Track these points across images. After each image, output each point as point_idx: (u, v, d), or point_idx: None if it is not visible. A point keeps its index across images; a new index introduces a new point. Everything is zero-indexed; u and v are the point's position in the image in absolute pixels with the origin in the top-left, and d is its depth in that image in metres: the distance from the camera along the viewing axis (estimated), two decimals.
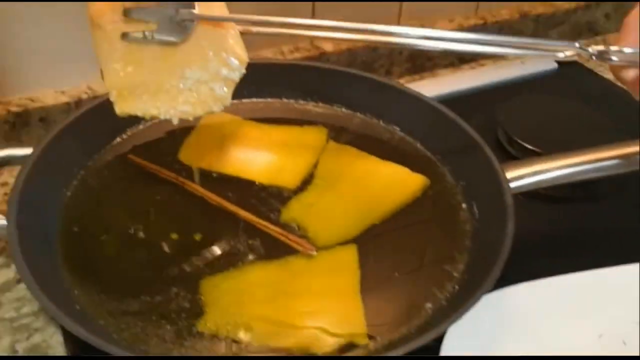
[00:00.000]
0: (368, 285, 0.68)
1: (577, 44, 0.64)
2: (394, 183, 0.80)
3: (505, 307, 0.65)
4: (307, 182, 0.80)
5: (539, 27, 1.22)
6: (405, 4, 1.09)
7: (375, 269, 0.70)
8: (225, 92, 0.63)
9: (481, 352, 0.61)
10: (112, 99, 0.62)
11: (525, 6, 1.22)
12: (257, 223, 0.73)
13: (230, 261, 0.67)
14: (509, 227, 0.68)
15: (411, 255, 0.72)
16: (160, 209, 0.71)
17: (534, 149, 0.87)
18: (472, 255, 0.70)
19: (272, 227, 0.73)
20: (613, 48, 0.63)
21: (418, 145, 0.83)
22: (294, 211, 0.75)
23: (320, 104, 0.87)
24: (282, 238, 0.72)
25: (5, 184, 0.84)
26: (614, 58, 0.63)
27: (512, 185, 0.73)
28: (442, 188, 0.80)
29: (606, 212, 0.83)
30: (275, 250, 0.71)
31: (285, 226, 0.74)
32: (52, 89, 0.88)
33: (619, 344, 0.67)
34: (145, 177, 0.75)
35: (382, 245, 0.73)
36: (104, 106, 0.65)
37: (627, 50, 0.62)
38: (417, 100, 0.81)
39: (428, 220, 0.76)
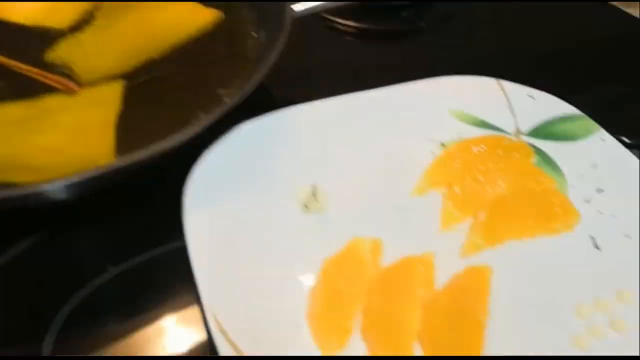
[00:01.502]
0: (129, 120, 0.62)
1: None
2: (181, 18, 0.72)
3: (282, 129, 0.61)
4: (86, 23, 0.70)
5: None
6: None
7: (141, 104, 0.64)
8: None
9: (242, 173, 0.57)
10: None
11: None
12: (10, 64, 0.64)
13: None
14: (279, 42, 0.60)
15: (187, 88, 0.67)
16: None
17: None
18: (246, 78, 0.63)
19: (26, 67, 0.64)
20: None
21: None
22: (61, 50, 0.67)
23: None
24: (40, 77, 0.63)
25: None
26: None
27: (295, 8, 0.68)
28: (235, 20, 0.72)
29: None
30: (31, 91, 0.62)
31: (49, 66, 0.65)
32: None
33: (407, 159, 0.61)
34: None
35: (157, 80, 0.64)
36: None
37: None
38: None
39: (215, 52, 0.69)
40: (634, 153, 0.60)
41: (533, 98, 0.65)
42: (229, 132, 0.58)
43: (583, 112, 0.63)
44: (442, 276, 0.53)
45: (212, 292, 0.48)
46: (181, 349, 0.50)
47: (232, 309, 0.47)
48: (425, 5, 0.90)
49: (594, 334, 0.50)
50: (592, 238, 0.56)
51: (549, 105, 0.64)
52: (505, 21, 0.89)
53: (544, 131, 0.64)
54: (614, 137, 0.61)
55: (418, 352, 0.49)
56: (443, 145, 0.63)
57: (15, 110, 0.62)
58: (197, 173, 0.55)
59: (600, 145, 0.61)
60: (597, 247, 0.56)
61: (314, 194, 0.57)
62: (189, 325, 0.52)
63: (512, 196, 0.57)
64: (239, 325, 0.46)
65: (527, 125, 0.64)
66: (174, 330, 0.52)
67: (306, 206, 0.57)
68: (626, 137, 0.62)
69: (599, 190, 0.59)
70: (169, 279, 0.55)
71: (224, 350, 0.44)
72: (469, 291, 0.50)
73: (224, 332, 0.45)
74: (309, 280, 0.52)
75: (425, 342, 0.48)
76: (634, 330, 0.50)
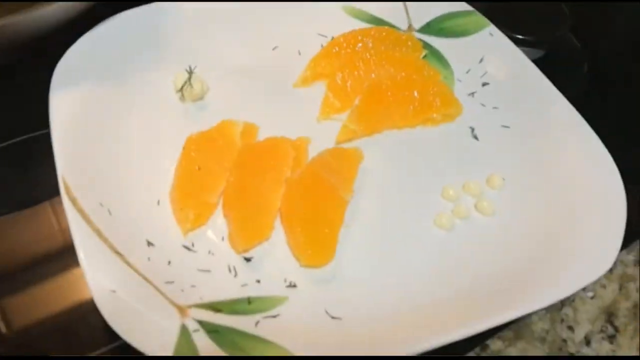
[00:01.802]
0: None
1: None
2: None
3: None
4: None
5: None
6: None
7: None
8: None
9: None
10: None
11: None
12: None
13: None
14: None
15: None
16: None
17: None
18: None
19: None
20: None
21: None
22: None
23: None
24: None
25: None
26: None
27: None
28: None
29: None
30: None
31: None
32: None
33: (295, 53, 0.60)
34: None
35: None
36: None
37: None
38: None
39: None
40: (522, 49, 0.60)
41: None
42: (103, 20, 0.57)
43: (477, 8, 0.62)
44: None
45: (66, 161, 0.47)
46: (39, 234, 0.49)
47: (84, 178, 0.46)
48: None
49: (458, 214, 0.50)
50: (472, 129, 0.56)
51: (441, 3, 0.63)
52: None
53: (435, 27, 0.63)
54: (504, 33, 0.60)
55: (279, 227, 0.48)
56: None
57: None
58: (66, 58, 0.54)
59: (489, 40, 0.60)
60: (475, 137, 0.55)
61: (189, 80, 0.55)
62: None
63: (391, 85, 0.56)
64: (89, 194, 0.45)
65: (419, 22, 0.63)
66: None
67: (182, 93, 0.55)
68: (516, 33, 0.61)
69: (485, 84, 0.59)
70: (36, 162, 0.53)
71: (70, 215, 0.43)
72: (335, 170, 0.49)
73: (73, 200, 0.44)
74: (172, 159, 0.50)
75: (285, 217, 0.48)
76: (498, 213, 0.50)
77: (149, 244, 0.46)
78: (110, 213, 0.46)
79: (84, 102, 0.52)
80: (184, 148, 0.50)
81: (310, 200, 0.47)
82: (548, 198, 0.50)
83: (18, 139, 0.55)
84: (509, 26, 0.62)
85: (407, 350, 0.39)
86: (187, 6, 0.60)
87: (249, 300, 0.44)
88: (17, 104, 0.57)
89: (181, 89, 0.55)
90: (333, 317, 0.43)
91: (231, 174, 0.49)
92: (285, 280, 0.45)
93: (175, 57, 0.58)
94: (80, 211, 0.45)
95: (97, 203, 0.46)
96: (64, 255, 0.48)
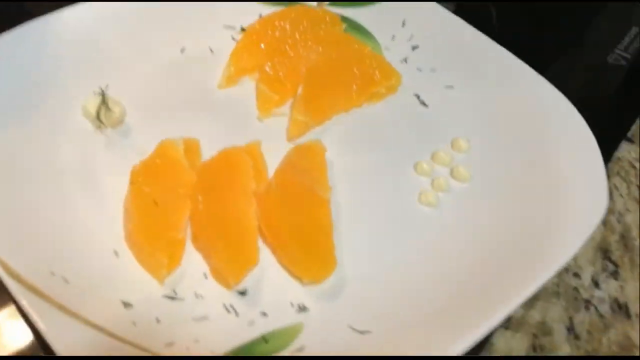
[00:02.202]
0: None
1: None
2: None
3: None
4: None
5: None
6: None
7: None
8: None
9: None
10: None
11: None
12: None
13: None
14: None
15: None
16: None
17: None
18: None
19: None
20: None
21: None
22: None
23: None
24: None
25: None
26: None
27: None
28: None
29: None
30: None
31: None
32: None
33: (207, 51, 0.52)
34: None
35: None
36: None
37: None
38: None
39: None
40: (442, 5, 0.57)
41: None
42: None
43: None
44: (274, 165, 0.46)
45: None
46: None
47: (20, 247, 0.37)
48: None
49: (438, 187, 0.47)
50: (417, 96, 0.53)
51: None
52: None
53: None
54: None
55: (263, 245, 0.42)
56: (243, 29, 0.55)
57: None
58: None
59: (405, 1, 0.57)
60: (423, 103, 0.52)
61: (104, 102, 0.46)
62: None
63: (327, 66, 0.51)
64: (32, 263, 0.36)
65: None
66: None
67: (99, 119, 0.46)
68: None
69: (414, 48, 0.56)
70: None
71: (21, 296, 0.34)
72: (305, 170, 0.44)
73: (14, 275, 0.35)
74: (114, 198, 0.42)
75: (270, 235, 0.42)
76: (475, 176, 0.47)
77: (126, 305, 0.38)
78: (67, 281, 0.37)
79: None
80: (131, 183, 0.42)
81: (293, 209, 0.42)
82: (518, 149, 0.48)
83: None
84: None
85: (450, 350, 0.36)
86: (73, 20, 0.50)
87: (265, 339, 0.38)
88: None
89: (97, 116, 0.46)
90: (361, 332, 0.38)
91: (193, 201, 0.42)
92: (292, 305, 0.40)
93: (74, 81, 0.49)
94: (32, 288, 0.36)
95: (48, 272, 0.37)
96: None
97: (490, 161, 0.48)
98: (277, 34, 0.54)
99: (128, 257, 0.41)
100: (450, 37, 0.55)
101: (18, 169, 0.43)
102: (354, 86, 0.51)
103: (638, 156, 0.55)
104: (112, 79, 0.50)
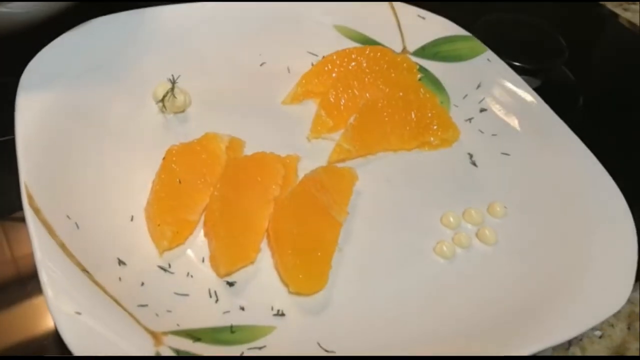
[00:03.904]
0: None
1: None
2: None
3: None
4: None
5: None
6: None
7: None
8: None
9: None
10: None
11: None
12: None
13: None
14: None
15: None
16: None
17: None
18: None
19: None
20: None
21: None
22: None
23: None
24: None
25: None
26: None
27: None
28: None
29: None
30: None
31: None
32: None
33: (284, 70, 0.56)
34: None
35: None
36: None
37: None
38: None
39: None
40: (521, 77, 0.57)
41: (423, 18, 0.61)
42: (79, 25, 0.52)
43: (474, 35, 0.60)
44: None
45: (31, 168, 0.42)
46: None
47: (50, 188, 0.41)
48: None
49: (459, 243, 0.46)
50: (470, 155, 0.53)
51: (437, 26, 0.61)
52: None
53: (430, 51, 0.60)
54: (503, 60, 0.58)
55: (265, 250, 0.43)
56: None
57: None
58: (37, 61, 0.50)
59: (486, 65, 0.58)
60: (474, 164, 0.52)
61: (172, 90, 0.50)
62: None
63: (387, 104, 0.52)
64: (55, 205, 0.40)
65: (414, 45, 0.60)
66: None
67: (163, 103, 0.51)
68: (513, 60, 0.59)
69: (482, 110, 0.56)
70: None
71: (33, 226, 0.38)
72: (328, 190, 0.45)
73: (36, 210, 0.39)
74: (149, 171, 0.46)
75: (274, 239, 0.43)
76: (501, 242, 0.46)
77: (120, 262, 0.40)
78: (77, 227, 0.41)
79: (54, 107, 0.48)
80: (164, 159, 0.45)
81: (302, 221, 0.43)
82: (554, 228, 0.47)
83: None
84: (505, 53, 0.59)
85: None
86: (171, 15, 0.56)
87: (231, 329, 0.39)
88: None
89: (162, 100, 0.51)
90: (326, 351, 0.38)
91: (215, 190, 0.44)
92: (272, 308, 0.41)
93: (156, 66, 0.54)
94: (44, 223, 0.39)
95: (64, 215, 0.41)
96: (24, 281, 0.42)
97: (522, 234, 0.47)
98: (350, 67, 0.56)
99: (141, 225, 0.44)
100: (521, 110, 0.55)
101: (81, 119, 0.48)
102: (407, 129, 0.52)
103: None
104: (188, 71, 0.54)
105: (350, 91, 0.54)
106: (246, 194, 0.44)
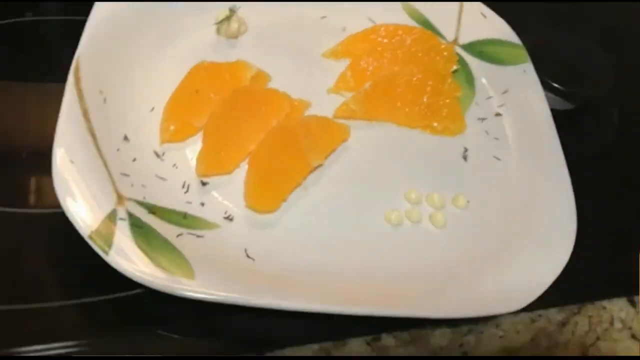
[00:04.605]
0: None
1: None
2: None
3: None
4: None
5: None
6: None
7: None
8: None
9: None
10: None
11: None
12: None
13: None
14: None
15: None
16: None
17: None
18: None
19: None
20: None
21: None
22: None
23: None
24: None
25: None
26: None
27: None
28: None
29: None
30: None
31: None
32: None
33: (340, 28, 0.63)
34: None
35: None
36: None
37: None
38: None
39: None
40: (552, 96, 0.61)
41: (484, 17, 0.65)
42: None
43: (526, 44, 0.63)
44: None
45: (88, 43, 0.53)
46: None
47: (96, 64, 0.53)
48: None
49: (409, 216, 0.52)
50: (465, 149, 0.57)
51: (494, 27, 0.65)
52: None
53: (477, 48, 0.64)
54: (539, 75, 0.61)
55: (244, 169, 0.52)
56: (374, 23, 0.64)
57: None
58: None
59: (520, 75, 0.61)
60: (464, 157, 0.57)
61: (229, 16, 0.59)
62: None
63: (405, 82, 0.58)
64: (94, 78, 0.52)
65: (465, 38, 0.65)
66: None
67: (218, 26, 0.60)
68: (549, 79, 0.62)
69: (497, 115, 0.60)
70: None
71: (68, 89, 0.49)
72: (312, 136, 0.52)
73: (77, 78, 0.51)
74: (180, 76, 0.55)
75: (250, 159, 0.51)
76: (448, 229, 0.52)
77: (126, 138, 0.51)
78: (104, 101, 0.51)
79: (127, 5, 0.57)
80: (190, 70, 0.54)
81: (276, 152, 0.51)
82: (501, 231, 0.51)
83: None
84: (549, 71, 0.62)
85: (302, 306, 0.43)
86: None
87: (184, 215, 0.48)
88: None
89: (219, 23, 0.59)
90: (248, 257, 0.47)
91: (221, 104, 0.52)
92: (225, 212, 0.49)
93: None
94: (79, 90, 0.50)
95: (97, 89, 0.52)
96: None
97: (470, 229, 0.53)
98: (393, 40, 0.62)
99: (157, 116, 0.54)
100: (531, 128, 0.58)
101: (146, 20, 0.58)
102: (417, 109, 0.57)
103: None
104: (256, 3, 0.63)
105: (381, 61, 0.60)
106: (245, 116, 0.53)
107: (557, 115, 0.59)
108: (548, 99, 0.61)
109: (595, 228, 0.53)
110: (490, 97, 0.61)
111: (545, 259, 0.48)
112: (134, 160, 0.50)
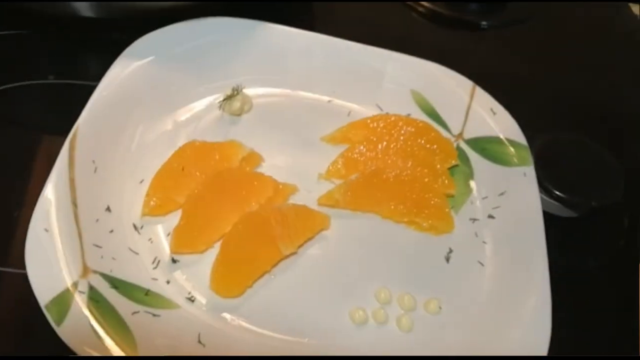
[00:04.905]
0: None
1: None
2: None
3: None
4: None
5: None
6: None
7: None
8: None
9: None
10: None
11: None
12: None
13: None
14: None
15: None
16: None
17: None
18: None
19: None
20: None
21: None
22: None
23: None
24: None
25: None
26: None
27: None
28: None
29: None
30: None
31: None
32: None
33: (344, 112, 0.64)
34: None
35: None
36: None
37: None
38: None
39: None
40: (551, 202, 0.60)
41: (494, 113, 0.64)
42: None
43: (532, 146, 0.62)
44: None
45: (90, 113, 0.56)
46: None
47: (93, 132, 0.56)
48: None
49: (375, 316, 0.51)
50: (450, 250, 0.56)
51: (503, 125, 0.64)
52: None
53: (481, 145, 0.63)
54: (540, 181, 0.60)
55: (216, 248, 0.53)
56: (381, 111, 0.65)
57: None
58: (144, 39, 0.62)
59: (520, 179, 0.60)
60: (447, 259, 0.56)
61: (235, 92, 0.61)
62: None
63: (395, 175, 0.58)
64: (89, 147, 0.55)
65: (471, 133, 0.64)
66: None
67: (221, 103, 0.62)
68: (553, 187, 0.60)
69: (490, 217, 0.59)
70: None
71: (61, 156, 0.52)
72: (287, 224, 0.53)
73: (72, 146, 0.54)
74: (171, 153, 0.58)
75: (222, 244, 0.52)
76: (414, 334, 0.51)
77: (108, 209, 0.53)
78: (95, 171, 0.54)
79: (136, 74, 0.60)
80: (181, 147, 0.56)
81: (247, 238, 0.52)
82: (467, 343, 0.50)
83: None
84: (554, 177, 0.60)
85: None
86: (272, 32, 0.66)
87: (147, 292, 0.49)
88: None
89: (223, 100, 0.62)
90: (199, 342, 0.47)
91: (203, 184, 0.54)
92: (189, 293, 0.50)
93: (240, 71, 0.65)
94: (71, 157, 0.53)
95: (91, 159, 0.54)
96: None
97: (437, 339, 0.51)
98: (392, 131, 0.62)
99: (144, 189, 0.56)
100: (522, 235, 0.56)
101: (152, 89, 0.61)
102: (402, 206, 0.57)
103: None
104: (266, 83, 0.66)
105: (374, 151, 0.60)
106: (224, 197, 0.54)
107: (559, 222, 0.58)
108: (551, 205, 0.60)
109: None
110: (486, 198, 0.59)
111: None
112: (111, 231, 0.52)
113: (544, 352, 0.48)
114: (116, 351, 0.43)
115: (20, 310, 0.49)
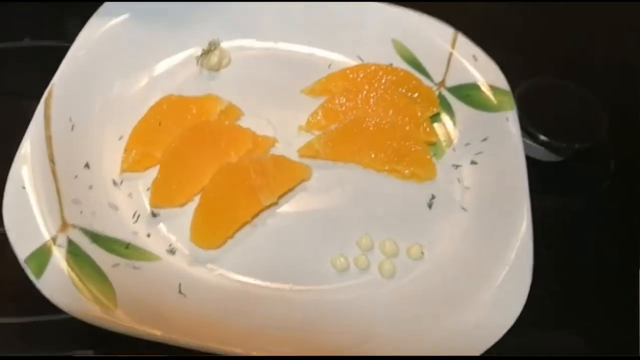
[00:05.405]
0: None
1: None
2: None
3: None
4: None
5: None
6: None
7: None
8: None
9: None
10: None
11: None
12: None
13: None
14: None
15: None
16: None
17: None
18: None
19: None
20: None
21: None
22: None
23: None
24: None
25: None
26: None
27: None
28: None
29: None
30: None
31: None
32: None
33: (323, 64, 0.63)
34: None
35: None
36: None
37: None
38: None
39: None
40: (534, 146, 0.60)
41: (476, 59, 0.63)
42: None
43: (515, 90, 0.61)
44: None
45: (65, 71, 0.56)
46: None
47: (70, 90, 0.55)
48: None
49: (356, 262, 0.51)
50: (432, 196, 0.56)
51: (485, 72, 0.63)
52: None
53: (463, 92, 0.63)
54: (522, 125, 0.59)
55: (196, 202, 0.53)
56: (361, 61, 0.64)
57: None
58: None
59: (502, 124, 0.59)
60: (429, 205, 0.56)
61: (212, 47, 0.61)
62: None
63: (375, 124, 0.57)
64: (66, 104, 0.55)
65: (453, 81, 0.63)
66: None
67: (198, 59, 0.61)
68: (536, 131, 0.59)
69: (473, 163, 0.58)
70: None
71: (36, 116, 0.52)
72: (267, 175, 0.53)
73: (47, 104, 0.53)
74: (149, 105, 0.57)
75: (202, 196, 0.52)
76: (395, 278, 0.51)
77: (87, 165, 0.53)
78: (72, 128, 0.54)
79: (113, 30, 0.60)
80: (157, 102, 0.56)
81: (226, 189, 0.51)
82: (449, 288, 0.50)
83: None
84: (537, 121, 0.60)
85: (216, 348, 0.43)
86: None
87: (127, 245, 0.49)
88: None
89: (200, 56, 0.61)
90: (180, 292, 0.47)
91: (180, 137, 0.54)
92: (169, 245, 0.50)
93: (218, 26, 0.64)
94: (47, 116, 0.52)
95: (67, 116, 0.54)
96: None
97: (419, 283, 0.51)
98: (372, 81, 0.61)
99: (123, 146, 0.55)
100: (503, 179, 0.56)
101: (128, 45, 0.60)
102: (383, 154, 0.57)
103: None
104: (245, 37, 0.65)
105: (354, 101, 0.60)
106: (202, 150, 0.54)
107: (542, 167, 0.58)
108: (535, 150, 0.59)
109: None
110: (468, 144, 0.59)
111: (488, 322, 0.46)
112: (90, 187, 0.52)
113: (525, 294, 0.47)
114: (95, 303, 0.43)
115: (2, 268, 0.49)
